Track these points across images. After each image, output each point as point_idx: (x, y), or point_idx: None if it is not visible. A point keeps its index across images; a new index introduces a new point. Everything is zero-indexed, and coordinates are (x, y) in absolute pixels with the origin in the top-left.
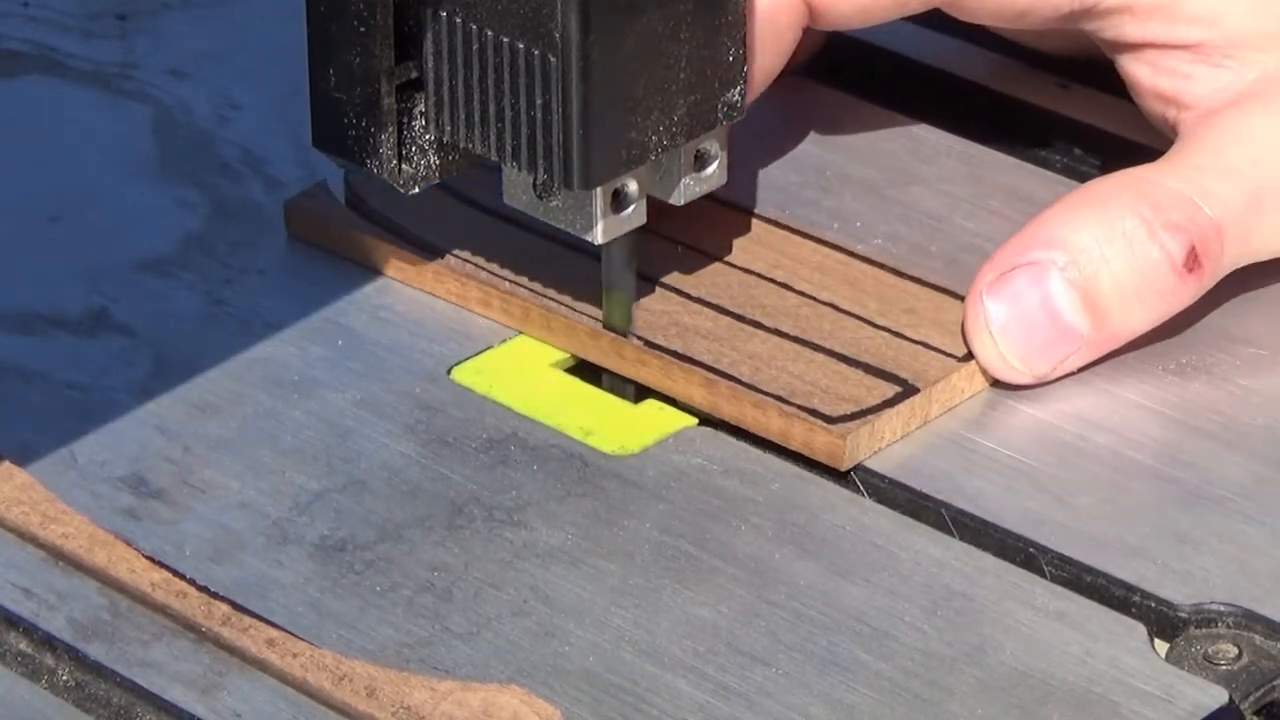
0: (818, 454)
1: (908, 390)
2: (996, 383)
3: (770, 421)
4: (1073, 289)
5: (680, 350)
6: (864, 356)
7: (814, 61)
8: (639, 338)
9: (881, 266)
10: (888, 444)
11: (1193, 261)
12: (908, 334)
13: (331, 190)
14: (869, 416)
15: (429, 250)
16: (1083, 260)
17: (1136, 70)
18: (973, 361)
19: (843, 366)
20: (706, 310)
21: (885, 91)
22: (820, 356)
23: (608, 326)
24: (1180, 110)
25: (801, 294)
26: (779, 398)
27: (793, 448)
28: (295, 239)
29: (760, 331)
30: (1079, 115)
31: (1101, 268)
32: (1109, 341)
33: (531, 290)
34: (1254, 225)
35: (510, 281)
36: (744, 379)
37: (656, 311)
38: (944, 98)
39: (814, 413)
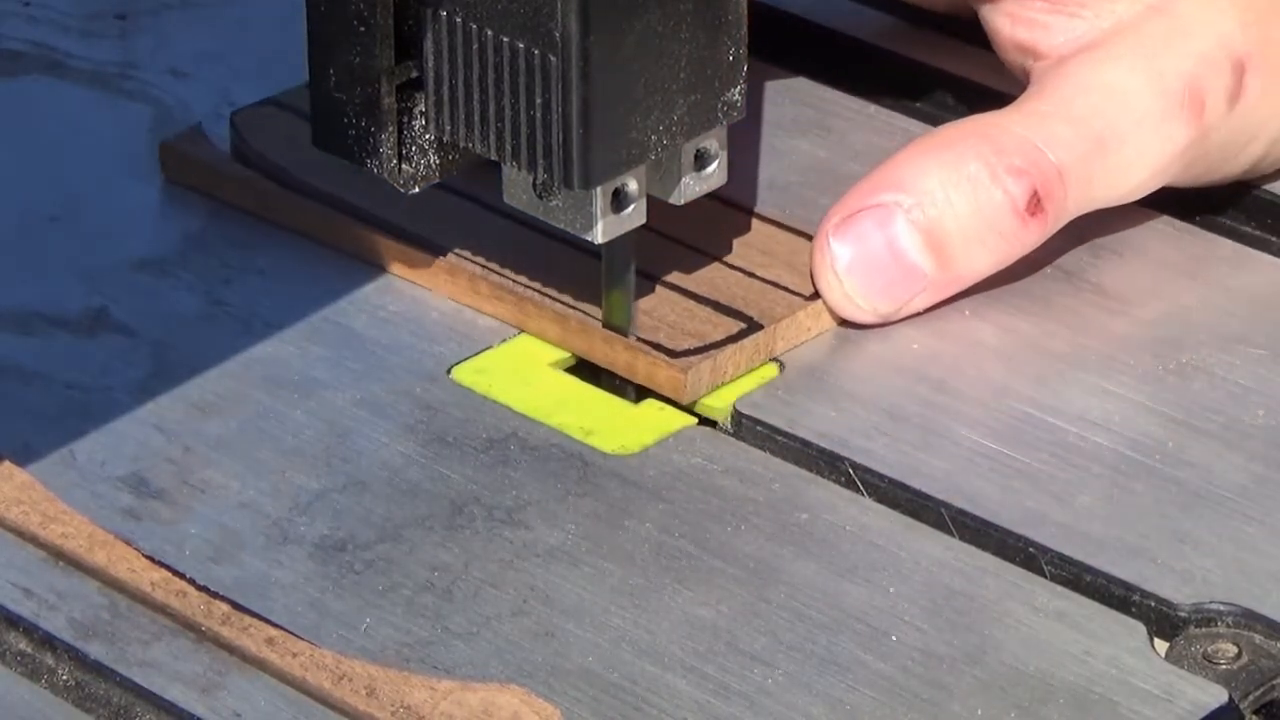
0: (661, 387)
1: (752, 327)
2: (845, 323)
3: (616, 355)
4: (917, 230)
5: (539, 288)
6: (714, 294)
7: (810, 57)
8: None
9: (745, 210)
10: (731, 379)
11: (1035, 205)
12: (759, 274)
13: (208, 134)
14: (711, 352)
15: (312, 196)
16: (927, 202)
17: (997, 22)
18: (819, 300)
19: (691, 303)
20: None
21: (885, 91)
22: (671, 294)
23: (608, 325)
24: (1036, 59)
25: (660, 234)
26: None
27: (638, 381)
28: (172, 183)
29: None
30: None
31: (945, 210)
32: (954, 283)
33: (395, 228)
34: (1098, 171)
35: (392, 226)
36: (595, 315)
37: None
38: (945, 97)
39: (658, 347)
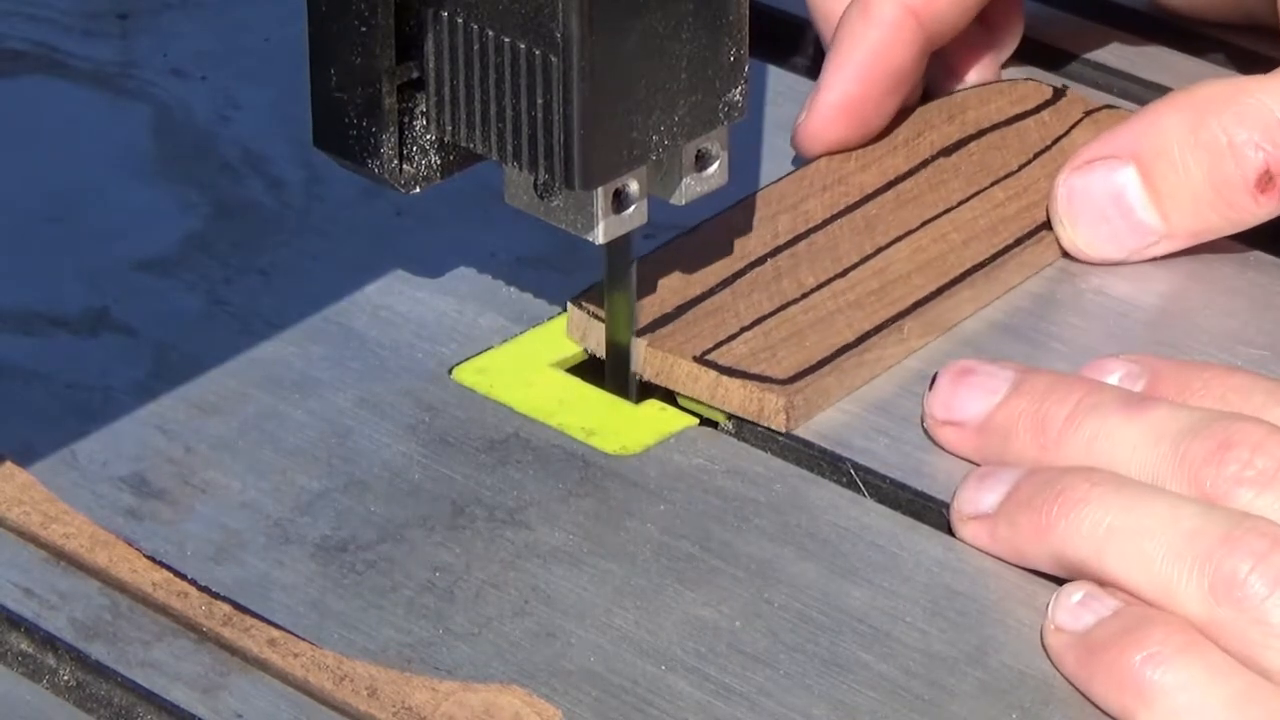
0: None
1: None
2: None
3: None
4: (1146, 187)
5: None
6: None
7: (810, 57)
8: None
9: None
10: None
11: (1265, 182)
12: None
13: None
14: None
15: None
16: (1161, 161)
17: None
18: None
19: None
20: None
21: None
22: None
23: (609, 327)
24: None
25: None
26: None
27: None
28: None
29: None
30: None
31: (1178, 171)
32: (1189, 238)
33: None
34: None
35: None
36: None
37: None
38: None
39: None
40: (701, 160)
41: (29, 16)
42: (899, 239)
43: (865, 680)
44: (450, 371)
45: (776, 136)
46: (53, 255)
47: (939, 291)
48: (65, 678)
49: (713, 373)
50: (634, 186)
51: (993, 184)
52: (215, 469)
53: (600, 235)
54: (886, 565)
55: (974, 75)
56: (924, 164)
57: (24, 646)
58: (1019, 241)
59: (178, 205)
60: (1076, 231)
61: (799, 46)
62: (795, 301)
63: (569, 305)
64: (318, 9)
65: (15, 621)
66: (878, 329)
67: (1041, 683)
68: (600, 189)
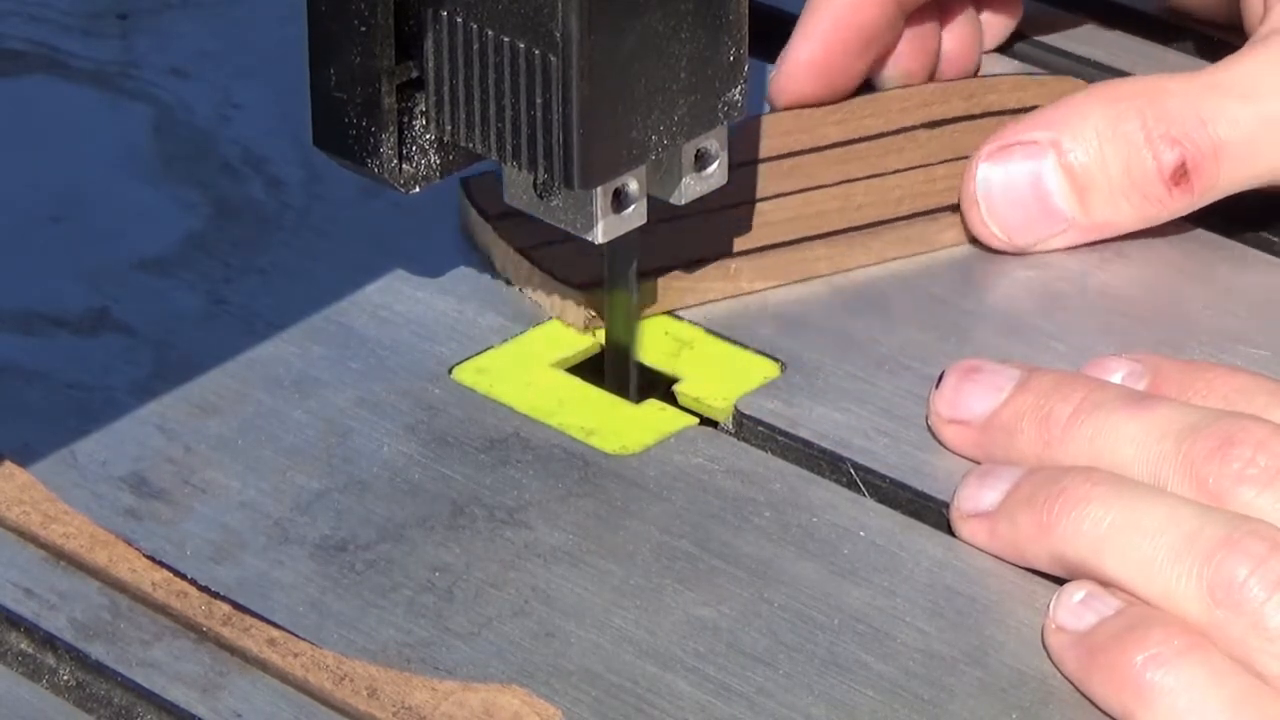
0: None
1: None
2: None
3: None
4: (1064, 173)
5: None
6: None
7: None
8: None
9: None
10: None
11: (1181, 175)
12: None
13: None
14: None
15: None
16: (1080, 149)
17: None
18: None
19: None
20: None
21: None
22: None
23: (609, 327)
24: (1262, 24)
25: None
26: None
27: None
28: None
29: None
30: None
31: (1096, 160)
32: (1096, 230)
33: None
34: (1266, 149)
35: None
36: None
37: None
38: None
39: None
40: (701, 160)
41: (29, 16)
42: (804, 190)
43: (865, 680)
44: (450, 371)
45: None
46: (53, 255)
47: (793, 243)
48: (65, 677)
49: (527, 265)
50: (633, 186)
51: (941, 162)
52: (215, 469)
53: (600, 235)
54: (886, 565)
55: (952, 49)
56: (899, 131)
57: (24, 646)
58: (912, 216)
59: (178, 205)
60: (990, 215)
61: None
62: (656, 225)
63: (459, 182)
64: (318, 9)
65: (15, 621)
66: (708, 260)
67: (1041, 683)
68: (600, 188)
